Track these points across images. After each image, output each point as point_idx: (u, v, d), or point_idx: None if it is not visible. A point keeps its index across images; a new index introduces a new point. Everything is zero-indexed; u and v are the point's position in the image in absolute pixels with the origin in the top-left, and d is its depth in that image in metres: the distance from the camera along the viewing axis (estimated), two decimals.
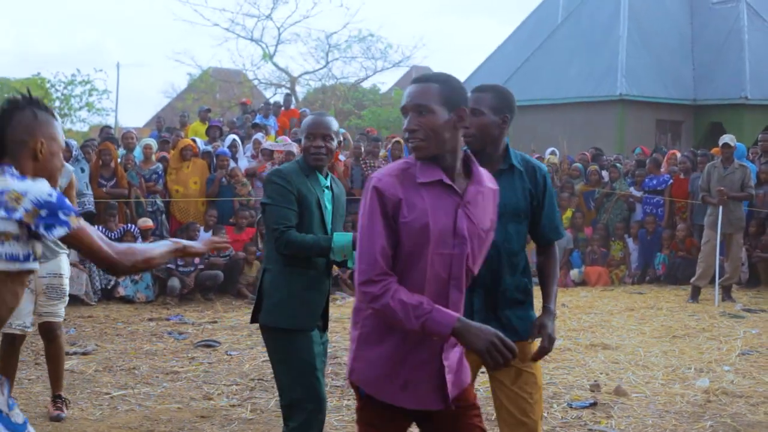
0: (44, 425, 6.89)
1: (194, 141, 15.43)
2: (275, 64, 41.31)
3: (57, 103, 37.85)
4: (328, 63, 41.44)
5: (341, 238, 5.00)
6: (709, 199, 14.01)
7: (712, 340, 10.86)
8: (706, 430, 7.21)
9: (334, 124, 5.23)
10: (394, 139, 16.93)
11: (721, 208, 13.73)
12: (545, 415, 7.44)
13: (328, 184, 5.27)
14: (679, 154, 18.03)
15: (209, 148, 15.50)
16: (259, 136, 16.37)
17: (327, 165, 5.23)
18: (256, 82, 42.30)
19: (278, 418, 7.30)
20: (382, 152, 16.40)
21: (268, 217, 5.06)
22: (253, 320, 5.24)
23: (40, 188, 3.41)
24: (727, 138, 14.38)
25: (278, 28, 41.19)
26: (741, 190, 13.98)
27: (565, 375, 8.89)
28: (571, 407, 7.70)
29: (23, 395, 7.73)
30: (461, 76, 39.71)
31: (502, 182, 4.31)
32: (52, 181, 3.62)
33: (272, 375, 8.64)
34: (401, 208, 3.50)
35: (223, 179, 14.66)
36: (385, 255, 3.49)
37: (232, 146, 15.54)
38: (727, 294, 14.07)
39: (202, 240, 4.32)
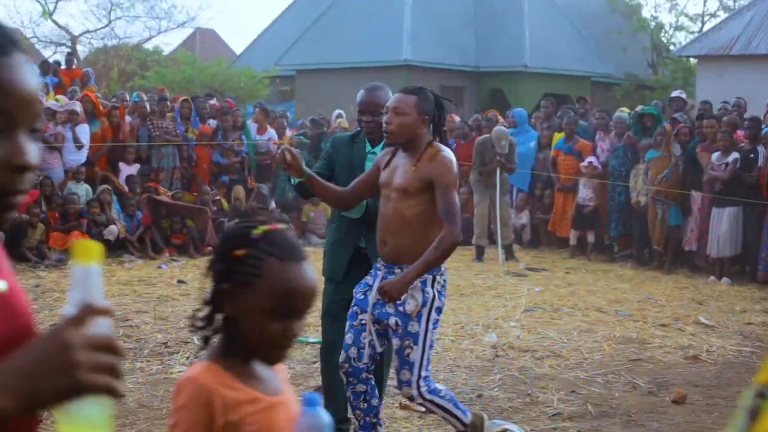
0: None
1: None
2: (55, 22, 39.95)
3: None
4: (110, 22, 40.39)
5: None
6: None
7: (498, 298, 11.21)
8: (495, 383, 7.45)
9: (384, 98, 5.73)
10: (182, 99, 16.73)
11: (498, 171, 14.18)
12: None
13: (375, 151, 5.88)
14: (457, 118, 18.47)
15: None
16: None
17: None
18: (34, 40, 40.77)
19: None
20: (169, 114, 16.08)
21: None
22: None
23: None
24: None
25: None
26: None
27: None
28: None
29: None
30: (246, 40, 39.59)
31: None
32: None
33: None
34: None
35: None
36: None
37: None
38: (509, 254, 14.55)
39: None
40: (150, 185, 14.90)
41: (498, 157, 14.11)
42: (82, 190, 14.28)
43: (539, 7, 30.28)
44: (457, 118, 18.61)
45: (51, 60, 22.94)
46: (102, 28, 40.60)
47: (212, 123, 16.36)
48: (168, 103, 16.10)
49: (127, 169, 15.04)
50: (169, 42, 65.93)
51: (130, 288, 11.38)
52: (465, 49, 29.69)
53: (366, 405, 5.41)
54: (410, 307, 5.19)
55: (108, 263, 13.34)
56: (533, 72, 28.35)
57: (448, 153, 5.33)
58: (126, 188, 14.80)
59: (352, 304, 5.43)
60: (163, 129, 15.37)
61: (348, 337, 5.38)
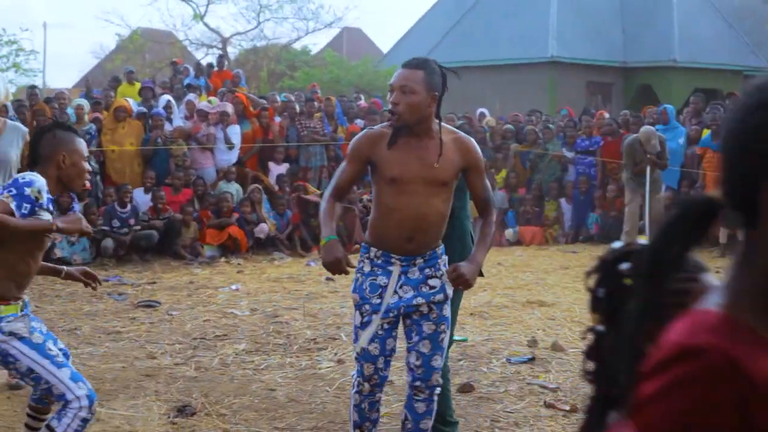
0: None
1: (128, 102, 15.32)
2: (206, 25, 40.95)
3: None
4: (259, 24, 41.19)
5: None
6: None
7: None
8: None
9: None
10: (325, 98, 17.10)
11: (648, 170, 14.05)
12: (485, 370, 7.61)
13: None
14: (606, 115, 18.26)
15: (143, 109, 15.40)
16: (191, 96, 16.27)
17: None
18: (186, 42, 41.91)
19: (222, 375, 7.38)
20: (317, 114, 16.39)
21: None
22: None
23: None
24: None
25: None
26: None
27: (503, 331, 9.05)
28: (509, 362, 7.85)
29: None
30: (392, 38, 39.79)
31: None
32: (75, 184, 4.74)
33: (214, 334, 8.79)
34: None
35: (159, 139, 14.60)
36: None
37: (167, 107, 15.44)
38: None
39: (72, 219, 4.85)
40: (299, 184, 15.23)
41: (648, 156, 13.97)
42: (234, 190, 14.67)
43: (688, 0, 29.71)
44: (607, 115, 18.39)
45: (203, 62, 23.54)
46: (251, 29, 41.47)
47: (360, 123, 16.59)
48: (315, 103, 16.40)
49: (277, 169, 15.40)
50: (316, 42, 66.87)
51: (279, 285, 11.67)
52: (612, 44, 29.34)
53: (377, 414, 5.12)
54: (450, 291, 4.94)
55: (258, 261, 13.72)
56: (682, 66, 27.83)
57: (466, 135, 5.05)
58: (276, 187, 15.14)
59: (367, 311, 4.91)
60: (311, 129, 15.67)
61: (373, 348, 4.89)
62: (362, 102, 18.38)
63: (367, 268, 4.92)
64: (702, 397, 1.31)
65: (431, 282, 4.90)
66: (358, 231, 14.78)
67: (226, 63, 22.39)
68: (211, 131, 14.95)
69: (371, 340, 4.88)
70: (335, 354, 8.12)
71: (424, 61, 4.82)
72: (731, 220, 1.47)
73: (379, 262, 4.90)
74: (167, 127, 14.98)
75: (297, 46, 41.75)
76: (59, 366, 4.55)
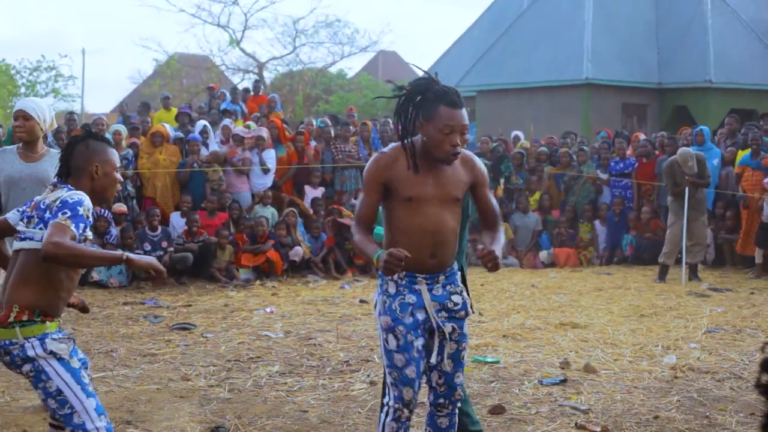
0: (28, 415, 6.99)
1: (164, 127, 15.48)
2: (242, 50, 41.32)
3: (23, 90, 37.54)
4: (295, 48, 41.48)
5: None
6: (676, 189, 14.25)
7: (679, 319, 11.06)
8: (673, 405, 7.38)
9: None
10: (361, 122, 17.19)
11: (687, 190, 13.98)
12: (516, 391, 7.63)
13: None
14: (642, 136, 18.21)
15: (180, 134, 15.54)
16: (227, 121, 16.42)
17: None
18: (223, 67, 42.27)
19: (256, 397, 7.44)
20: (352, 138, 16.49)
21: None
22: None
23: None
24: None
25: (245, 14, 41.22)
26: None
27: (536, 353, 9.06)
28: (542, 384, 7.85)
29: (12, 386, 7.80)
30: (428, 62, 40.04)
31: None
32: (108, 194, 4.82)
33: (248, 356, 8.85)
34: None
35: (195, 164, 14.73)
36: None
37: (203, 132, 15.57)
38: (693, 274, 14.31)
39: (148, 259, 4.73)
40: (334, 207, 15.34)
41: (687, 177, 13.93)
42: (269, 214, 14.77)
43: (723, 21, 29.57)
44: (643, 136, 18.35)
45: (240, 87, 23.76)
46: (287, 54, 41.75)
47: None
48: (351, 127, 16.51)
49: (312, 192, 15.50)
50: (352, 66, 67.23)
51: (314, 307, 11.74)
52: (647, 65, 29.26)
53: None
54: (469, 309, 4.98)
55: (293, 283, 13.81)
56: (718, 87, 27.69)
57: (468, 152, 5.07)
58: (311, 211, 15.24)
59: (402, 332, 4.79)
60: (346, 152, 15.77)
61: (410, 371, 4.78)
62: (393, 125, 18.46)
63: (392, 290, 4.84)
64: None
65: (454, 298, 4.92)
66: None
67: (261, 88, 22.55)
68: (247, 155, 15.08)
69: (409, 363, 4.79)
70: (368, 376, 8.16)
71: (460, 95, 4.90)
72: None
73: (404, 282, 4.84)
74: (203, 152, 15.11)
75: (333, 70, 42.00)
76: (88, 395, 4.58)
